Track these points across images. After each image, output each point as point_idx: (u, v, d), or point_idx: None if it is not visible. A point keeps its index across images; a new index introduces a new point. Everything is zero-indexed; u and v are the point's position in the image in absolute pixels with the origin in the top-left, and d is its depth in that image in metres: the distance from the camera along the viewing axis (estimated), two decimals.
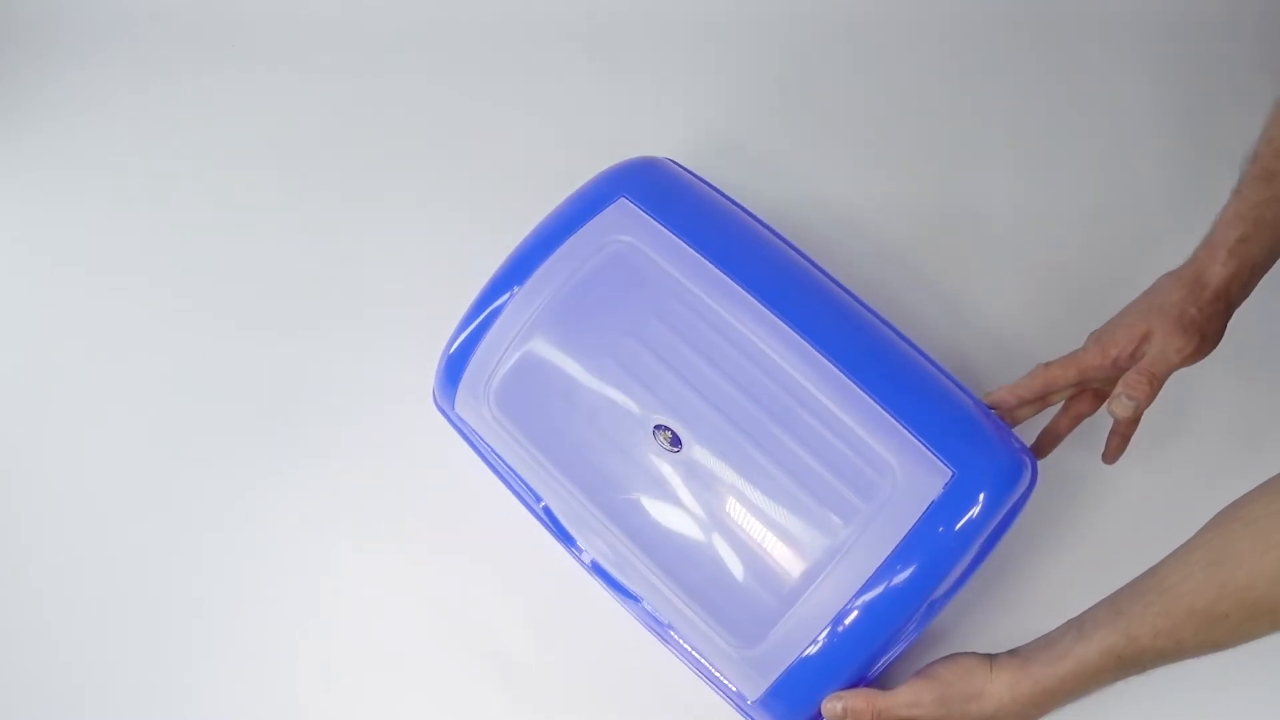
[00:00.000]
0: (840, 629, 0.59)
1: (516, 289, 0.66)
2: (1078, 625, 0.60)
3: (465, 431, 0.70)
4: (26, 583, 0.75)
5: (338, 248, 0.85)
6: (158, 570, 0.74)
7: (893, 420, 0.61)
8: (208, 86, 0.93)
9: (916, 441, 0.60)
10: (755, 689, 0.61)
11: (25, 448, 0.79)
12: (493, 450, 0.68)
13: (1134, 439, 0.67)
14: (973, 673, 0.60)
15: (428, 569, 0.73)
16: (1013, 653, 0.61)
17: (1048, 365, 0.65)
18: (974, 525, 0.59)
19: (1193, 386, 0.70)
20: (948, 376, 0.66)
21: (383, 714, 0.70)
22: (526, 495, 0.68)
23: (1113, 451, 0.68)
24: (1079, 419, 0.68)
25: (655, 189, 0.69)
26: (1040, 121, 0.89)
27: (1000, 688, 0.60)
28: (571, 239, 0.66)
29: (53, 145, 0.91)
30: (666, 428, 0.62)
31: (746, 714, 0.63)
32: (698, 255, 0.65)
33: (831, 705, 0.60)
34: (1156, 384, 0.61)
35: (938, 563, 0.59)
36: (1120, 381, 0.61)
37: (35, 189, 0.90)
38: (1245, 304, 0.63)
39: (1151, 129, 0.88)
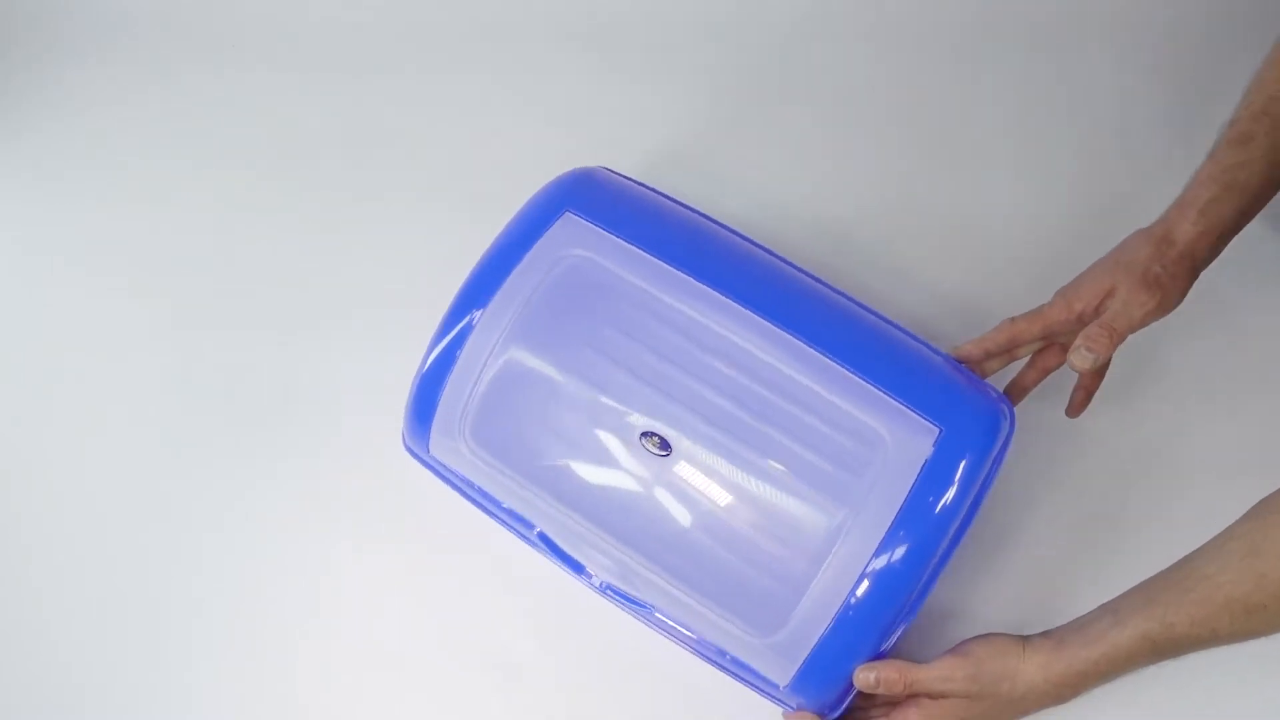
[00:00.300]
0: (857, 601, 0.59)
1: (476, 315, 0.64)
2: (1112, 610, 0.60)
3: (443, 473, 0.69)
4: (26, 583, 0.75)
5: (337, 247, 0.85)
6: (157, 570, 0.74)
7: (872, 387, 0.61)
8: (208, 86, 0.93)
9: (899, 405, 0.61)
10: (785, 674, 0.61)
11: (24, 447, 0.79)
12: (476, 487, 0.67)
13: (1102, 392, 0.68)
14: (1005, 652, 0.61)
15: (428, 569, 0.73)
16: (1046, 634, 0.62)
17: (1014, 319, 0.66)
18: (968, 477, 0.60)
19: (1161, 340, 0.71)
20: (914, 338, 0.67)
21: (383, 714, 0.70)
22: (519, 526, 0.67)
23: (1076, 405, 0.70)
24: (1045, 372, 0.69)
25: (597, 199, 0.68)
26: (1038, 122, 0.89)
27: (1033, 668, 0.60)
28: (524, 260, 0.65)
29: (53, 145, 0.91)
30: (652, 434, 0.62)
31: (780, 700, 0.63)
32: (651, 257, 0.65)
33: (864, 675, 0.60)
34: (1117, 338, 0.62)
35: (940, 520, 0.59)
36: (1081, 334, 0.62)
37: (35, 189, 0.90)
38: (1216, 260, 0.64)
39: (1149, 129, 0.88)
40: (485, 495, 0.67)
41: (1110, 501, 0.73)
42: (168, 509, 0.76)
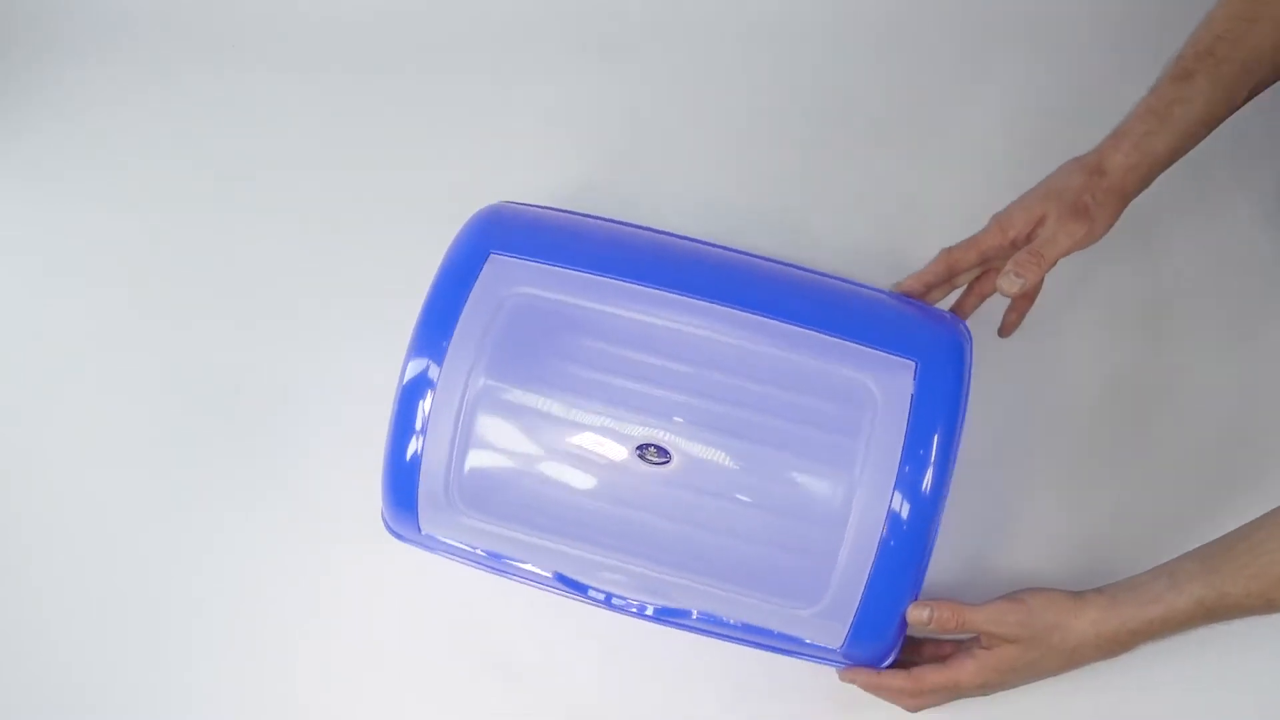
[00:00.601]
0: (889, 548, 0.60)
1: (435, 376, 0.62)
2: (1168, 574, 0.61)
3: (441, 548, 0.67)
4: (26, 583, 0.75)
5: (339, 246, 0.85)
6: (157, 570, 0.74)
7: (837, 340, 0.62)
8: (208, 86, 0.93)
9: (869, 350, 0.62)
10: (838, 637, 0.62)
11: (24, 447, 0.79)
12: (481, 552, 0.65)
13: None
14: (1058, 604, 0.62)
15: (428, 568, 0.73)
16: (1099, 591, 0.63)
17: (950, 249, 0.67)
18: (952, 398, 0.62)
19: (1092, 265, 0.73)
20: (857, 285, 0.68)
21: (383, 714, 0.70)
22: (536, 576, 0.65)
23: (1008, 326, 0.72)
24: (982, 298, 0.71)
25: (516, 234, 0.67)
26: (1032, 121, 0.89)
27: (1085, 623, 0.61)
28: (464, 313, 0.63)
29: (53, 145, 0.91)
30: (649, 445, 0.62)
31: (838, 663, 0.65)
32: (591, 275, 0.64)
33: (918, 613, 0.62)
34: (1045, 265, 0.63)
35: (941, 448, 0.61)
36: (1011, 260, 0.63)
37: (35, 189, 0.90)
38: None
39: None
40: (493, 556, 0.65)
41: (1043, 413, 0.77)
42: (167, 508, 0.76)
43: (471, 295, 0.64)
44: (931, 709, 0.66)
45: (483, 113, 0.90)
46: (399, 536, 0.68)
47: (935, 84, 0.89)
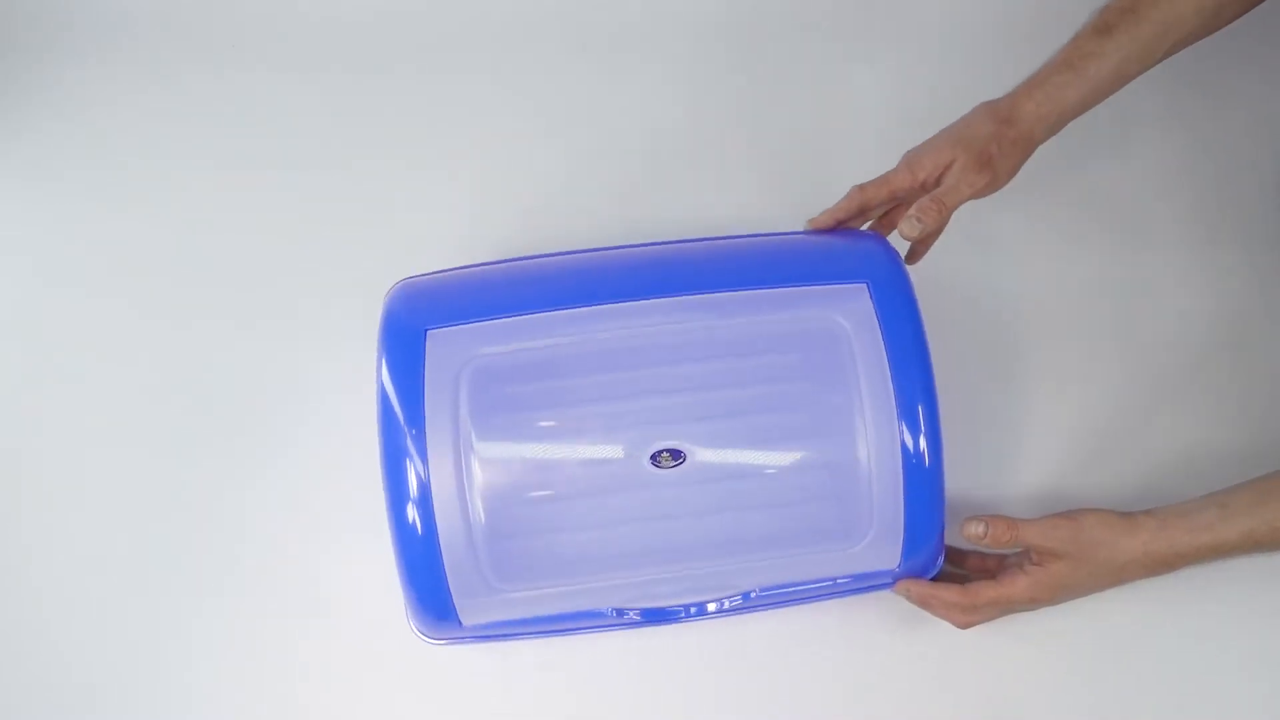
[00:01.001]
0: (913, 462, 0.62)
1: (425, 478, 0.60)
2: (1220, 504, 0.63)
3: (486, 635, 0.66)
4: (25, 582, 0.75)
5: (339, 246, 0.85)
6: (157, 570, 0.74)
7: (789, 288, 0.64)
8: (208, 86, 0.93)
9: (820, 287, 0.64)
10: (893, 558, 0.64)
11: (23, 447, 0.79)
12: (532, 620, 0.64)
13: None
14: (1109, 524, 0.64)
15: None
16: (1150, 514, 0.64)
17: (862, 186, 0.68)
18: (909, 303, 0.65)
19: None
20: (778, 234, 0.70)
21: (383, 714, 0.70)
22: (590, 621, 0.65)
23: (915, 255, 0.73)
24: (890, 230, 0.72)
25: (442, 303, 0.65)
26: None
27: (1135, 544, 0.63)
28: (428, 397, 0.61)
29: (53, 145, 0.91)
30: (660, 452, 0.62)
31: (897, 579, 0.66)
32: (532, 315, 0.63)
33: (974, 527, 0.66)
34: (946, 212, 0.65)
35: (918, 350, 0.64)
36: (914, 206, 0.65)
37: (35, 189, 0.90)
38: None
39: (1147, 132, 0.89)
40: (544, 620, 0.64)
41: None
42: (168, 508, 0.76)
43: (426, 379, 0.61)
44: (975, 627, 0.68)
45: (483, 112, 0.90)
46: (439, 640, 0.66)
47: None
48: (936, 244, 0.73)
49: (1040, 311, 0.82)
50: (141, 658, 0.72)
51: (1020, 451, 0.78)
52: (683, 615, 0.65)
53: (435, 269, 0.70)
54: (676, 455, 0.62)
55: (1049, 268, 0.83)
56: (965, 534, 0.66)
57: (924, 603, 0.66)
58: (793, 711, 0.69)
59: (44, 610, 0.74)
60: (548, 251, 0.70)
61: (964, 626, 0.67)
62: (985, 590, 0.65)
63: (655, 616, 0.65)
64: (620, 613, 0.64)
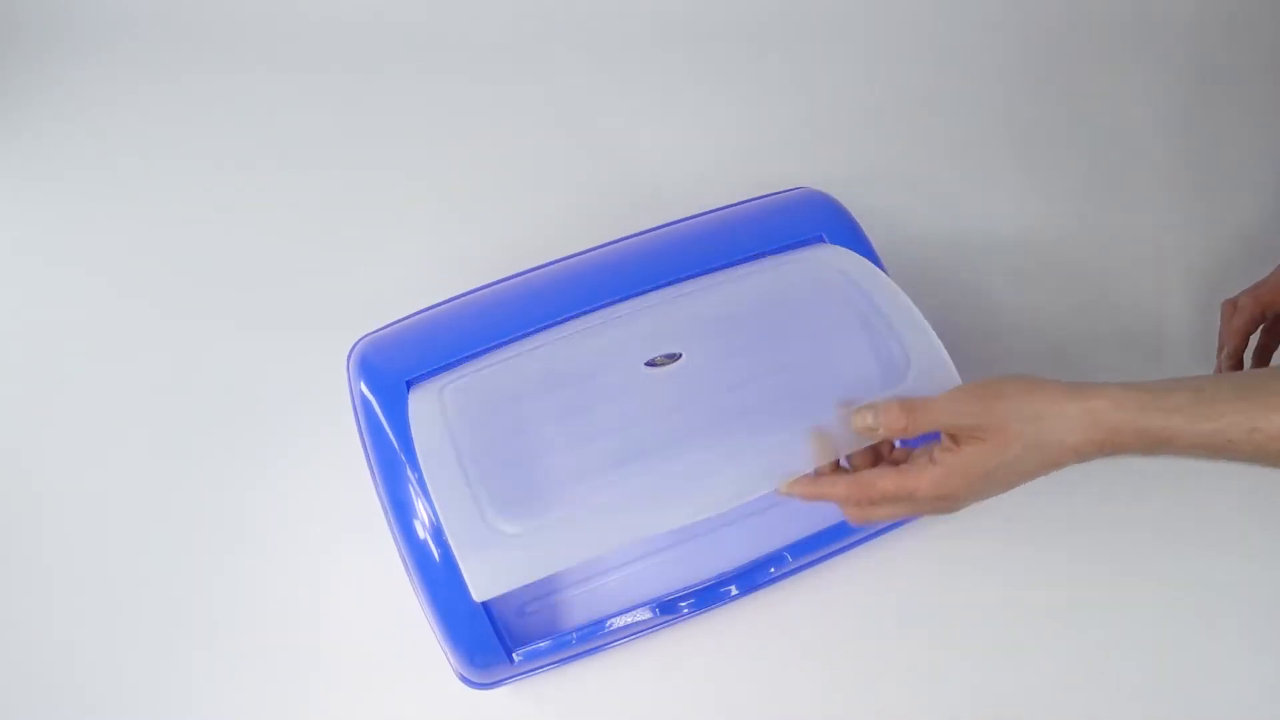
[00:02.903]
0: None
1: (429, 513, 0.60)
2: (1195, 388, 0.51)
3: (537, 667, 0.65)
4: (25, 583, 0.74)
5: (337, 247, 0.85)
6: (157, 570, 0.74)
7: (757, 265, 0.65)
8: (208, 86, 0.93)
9: (789, 253, 0.66)
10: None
11: (23, 447, 0.79)
12: (576, 631, 0.63)
13: None
14: (1046, 391, 0.51)
15: None
16: (1102, 386, 0.51)
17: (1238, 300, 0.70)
18: (859, 236, 0.68)
19: None
20: (724, 208, 0.72)
21: (383, 714, 0.70)
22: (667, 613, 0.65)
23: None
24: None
25: (414, 354, 0.65)
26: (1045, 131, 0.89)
27: (1079, 411, 0.50)
28: (420, 449, 0.58)
29: (53, 145, 0.91)
30: (655, 359, 0.59)
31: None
32: (507, 344, 0.63)
33: (861, 418, 0.54)
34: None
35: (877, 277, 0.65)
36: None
37: (35, 189, 0.90)
38: None
39: (1150, 134, 0.89)
40: (587, 629, 0.64)
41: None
42: (168, 508, 0.76)
43: (415, 436, 0.59)
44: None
45: (483, 111, 0.91)
46: (490, 685, 0.66)
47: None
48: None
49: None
50: (141, 658, 0.72)
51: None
52: (727, 598, 0.64)
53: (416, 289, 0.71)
54: (672, 357, 0.60)
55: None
56: (855, 427, 0.54)
57: (812, 500, 0.55)
58: (786, 710, 0.69)
59: (43, 610, 0.74)
60: (541, 261, 0.70)
61: (858, 521, 0.55)
62: (880, 481, 0.52)
63: (703, 600, 0.64)
64: (666, 608, 0.64)
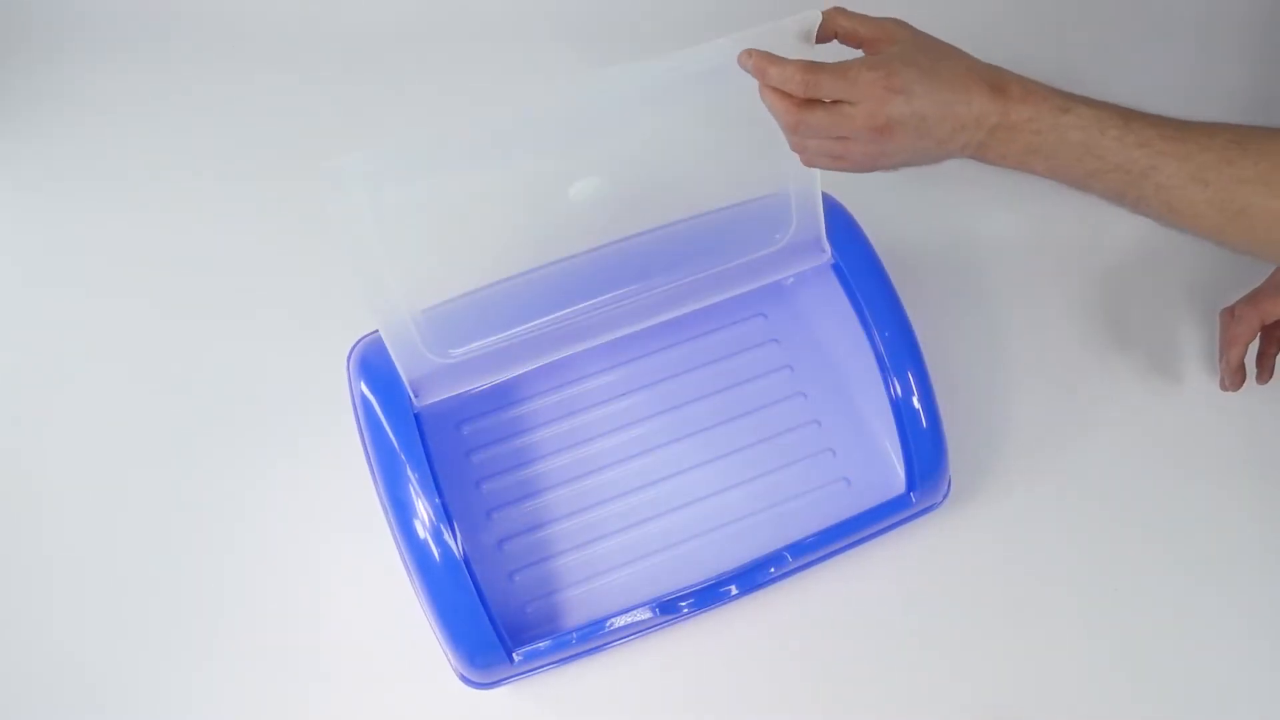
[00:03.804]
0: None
1: (430, 513, 0.61)
2: (1120, 111, 0.55)
3: (536, 667, 0.65)
4: (24, 584, 0.74)
5: (338, 247, 0.85)
6: (157, 570, 0.74)
7: (742, 271, 0.66)
8: (208, 86, 0.93)
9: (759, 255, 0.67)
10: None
11: (22, 446, 0.79)
12: (576, 630, 0.63)
13: None
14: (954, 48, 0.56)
15: None
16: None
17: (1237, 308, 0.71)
18: (859, 236, 0.69)
19: None
20: (709, 213, 0.70)
21: (383, 714, 0.70)
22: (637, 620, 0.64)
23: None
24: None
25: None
26: None
27: (996, 70, 0.55)
28: (439, 468, 0.62)
29: (53, 146, 0.91)
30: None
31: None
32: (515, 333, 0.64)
33: (744, 58, 0.55)
34: None
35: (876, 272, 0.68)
36: None
37: (34, 189, 0.90)
38: None
39: None
40: (588, 628, 0.64)
41: None
42: (167, 508, 0.76)
43: (432, 453, 0.61)
44: None
45: (484, 111, 0.90)
46: (490, 685, 0.66)
47: None
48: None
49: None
50: (140, 658, 0.72)
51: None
52: (729, 596, 0.65)
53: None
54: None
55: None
56: (741, 64, 0.55)
57: (760, 76, 0.55)
58: (787, 710, 0.69)
59: (42, 611, 0.74)
60: (541, 261, 0.70)
61: (793, 128, 0.56)
62: (826, 67, 0.53)
63: (703, 600, 0.64)
64: (666, 608, 0.64)
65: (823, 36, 0.57)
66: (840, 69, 0.53)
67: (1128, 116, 0.54)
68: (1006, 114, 0.54)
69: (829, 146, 0.56)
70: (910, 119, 0.54)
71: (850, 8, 0.57)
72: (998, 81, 0.54)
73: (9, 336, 0.83)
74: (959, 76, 0.54)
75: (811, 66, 0.53)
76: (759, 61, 0.54)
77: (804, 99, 0.54)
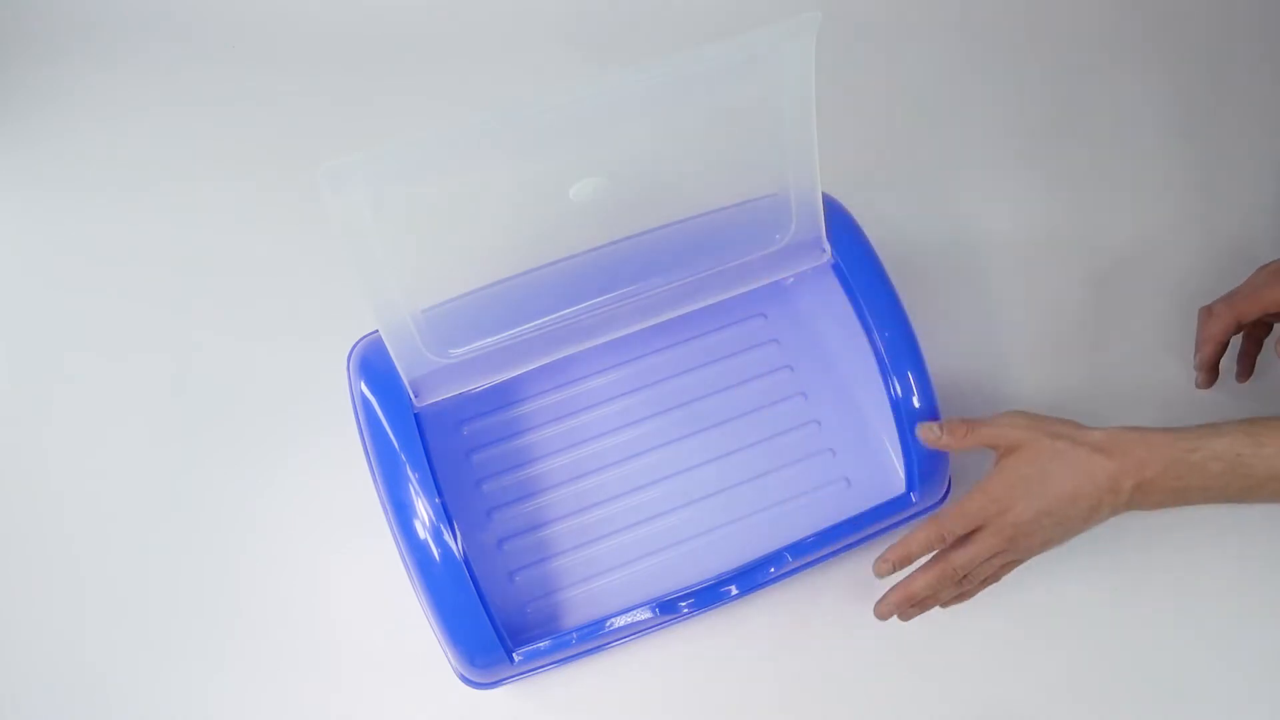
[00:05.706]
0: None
1: (430, 513, 0.60)
2: (1209, 425, 0.59)
3: (537, 666, 0.65)
4: (24, 584, 0.74)
5: (338, 246, 0.85)
6: (157, 570, 0.74)
7: (740, 271, 0.66)
8: (208, 86, 0.93)
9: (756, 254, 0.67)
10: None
11: (23, 446, 0.79)
12: (576, 631, 0.63)
13: None
14: (1075, 422, 0.60)
15: None
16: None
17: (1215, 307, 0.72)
18: (859, 236, 0.69)
19: None
20: (706, 214, 0.70)
21: (383, 714, 0.70)
22: (637, 620, 0.64)
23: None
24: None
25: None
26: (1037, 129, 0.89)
27: (1107, 432, 0.58)
28: (438, 467, 0.62)
29: (53, 146, 0.91)
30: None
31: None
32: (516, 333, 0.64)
33: (927, 431, 0.64)
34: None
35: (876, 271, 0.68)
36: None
37: (34, 189, 0.90)
38: None
39: (1152, 135, 0.89)
40: (588, 628, 0.64)
41: None
42: (167, 509, 0.76)
43: (432, 453, 0.62)
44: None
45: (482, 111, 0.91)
46: (490, 685, 0.66)
47: None
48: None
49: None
50: (140, 658, 0.72)
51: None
52: (729, 596, 0.65)
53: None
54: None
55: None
56: (921, 437, 0.64)
57: (905, 559, 0.61)
58: (786, 710, 0.69)
59: (42, 610, 0.74)
60: (539, 261, 0.69)
61: (954, 578, 0.61)
62: (944, 512, 0.60)
63: (703, 600, 0.64)
64: (666, 608, 0.64)
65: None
66: (958, 506, 0.59)
67: (1251, 431, 0.57)
68: (1139, 476, 0.57)
69: (988, 570, 0.61)
70: (1034, 521, 0.58)
71: (841, 9, 0.58)
72: (1111, 453, 0.57)
73: (9, 336, 0.83)
74: (1068, 474, 0.58)
75: (932, 520, 0.59)
76: (899, 555, 0.60)
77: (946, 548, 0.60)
